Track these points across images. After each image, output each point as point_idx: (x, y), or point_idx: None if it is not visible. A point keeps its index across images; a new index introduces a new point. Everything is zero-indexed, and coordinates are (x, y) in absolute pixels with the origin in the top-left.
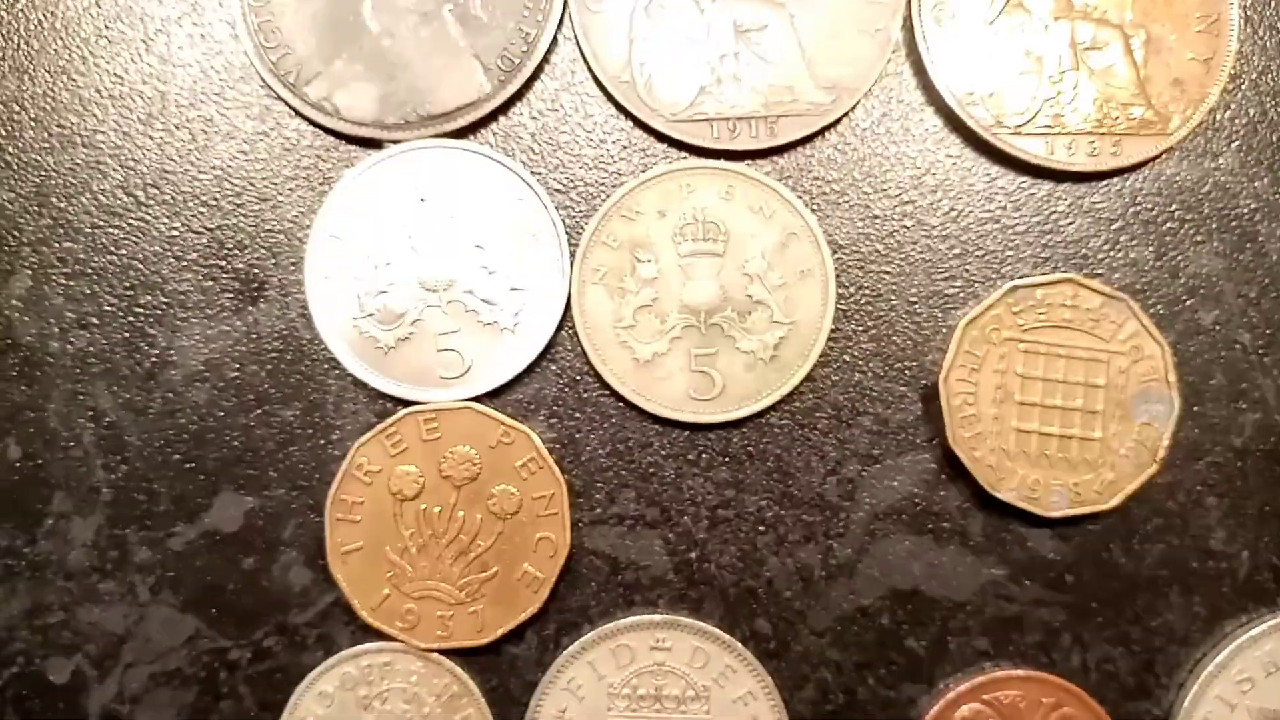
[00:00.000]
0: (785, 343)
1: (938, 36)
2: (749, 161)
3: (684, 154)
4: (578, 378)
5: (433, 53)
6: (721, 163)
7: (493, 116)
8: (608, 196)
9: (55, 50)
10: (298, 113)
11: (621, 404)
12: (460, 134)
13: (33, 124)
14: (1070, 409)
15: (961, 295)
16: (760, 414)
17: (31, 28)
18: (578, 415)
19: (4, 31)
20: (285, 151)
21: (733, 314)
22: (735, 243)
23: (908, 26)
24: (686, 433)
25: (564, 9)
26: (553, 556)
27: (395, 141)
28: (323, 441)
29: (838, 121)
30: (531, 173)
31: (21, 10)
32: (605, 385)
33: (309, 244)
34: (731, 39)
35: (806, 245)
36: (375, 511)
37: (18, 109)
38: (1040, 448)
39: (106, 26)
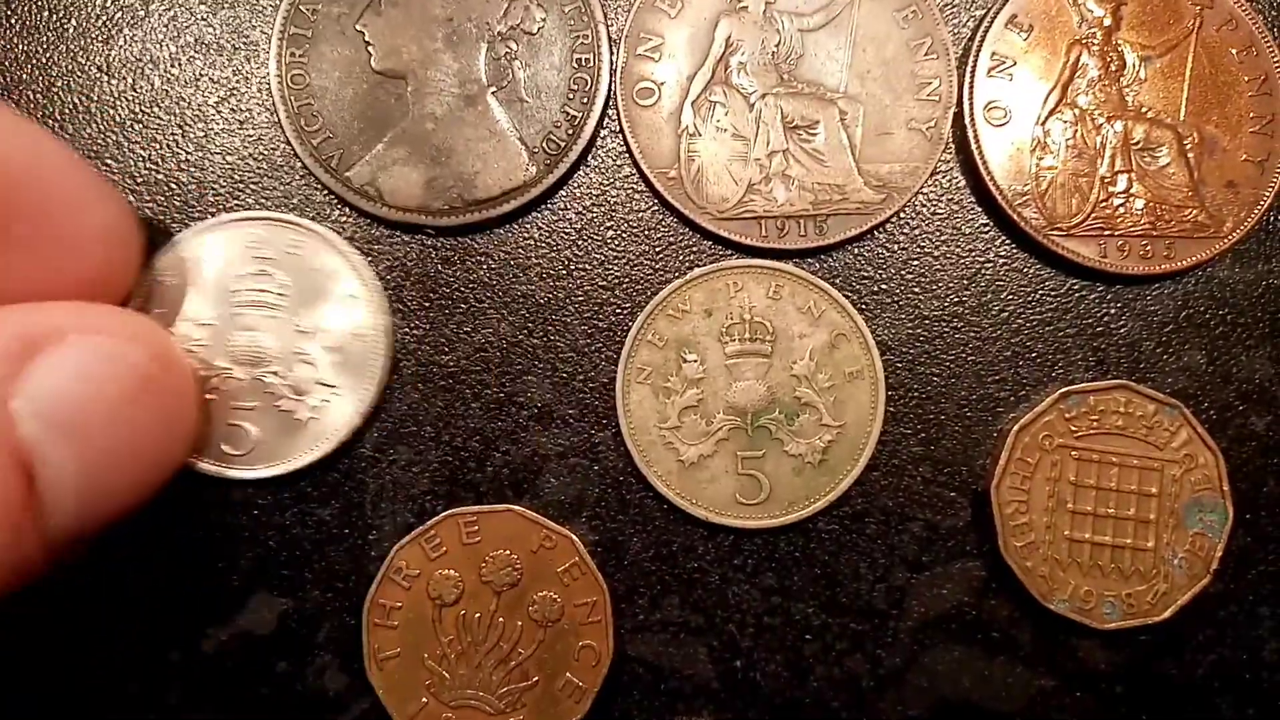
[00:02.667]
0: (834, 446)
1: (989, 135)
2: (797, 260)
3: (731, 252)
4: (621, 479)
5: (477, 136)
6: (769, 261)
7: (538, 202)
8: (653, 294)
9: (90, 135)
10: (340, 199)
11: (666, 507)
12: (505, 220)
13: None
14: (1123, 518)
15: (1012, 399)
16: (808, 519)
17: (66, 111)
18: (621, 517)
19: (38, 114)
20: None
21: (780, 416)
22: (783, 343)
23: (959, 124)
24: (732, 537)
25: (608, 95)
26: (595, 665)
27: (440, 228)
28: (360, 542)
29: (887, 220)
30: (577, 268)
31: (57, 93)
32: (649, 487)
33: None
34: (782, 136)
35: (855, 347)
36: (414, 617)
37: None
38: (1093, 557)
39: (143, 110)
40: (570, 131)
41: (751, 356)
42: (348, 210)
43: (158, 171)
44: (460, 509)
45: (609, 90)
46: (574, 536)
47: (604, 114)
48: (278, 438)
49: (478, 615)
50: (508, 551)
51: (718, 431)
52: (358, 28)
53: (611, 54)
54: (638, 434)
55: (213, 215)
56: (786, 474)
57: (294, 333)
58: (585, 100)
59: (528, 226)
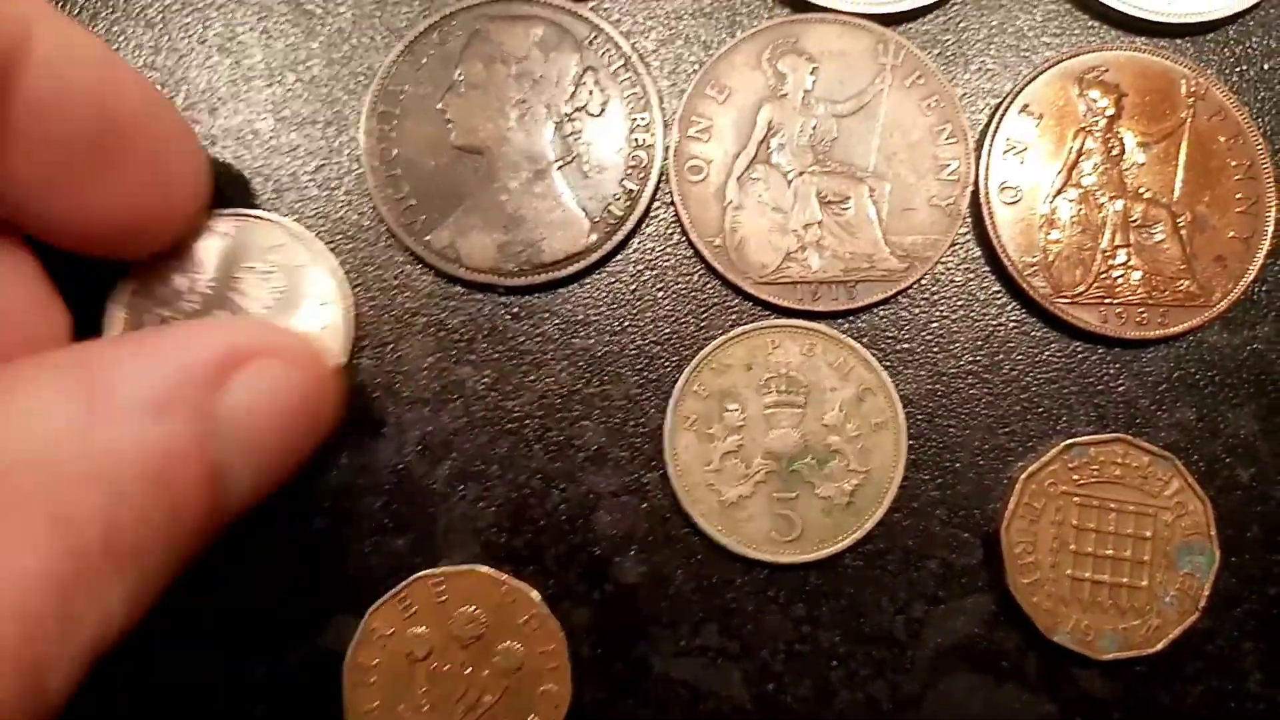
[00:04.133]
0: (860, 489)
1: (1002, 211)
2: (829, 321)
3: (769, 313)
4: (667, 516)
5: (545, 207)
6: (804, 322)
7: (597, 266)
8: (699, 349)
9: None
10: (421, 260)
11: (707, 543)
12: (568, 281)
13: None
14: (1120, 559)
15: (1021, 450)
16: (835, 556)
17: None
18: (666, 551)
19: None
20: (408, 297)
21: (812, 461)
22: (815, 396)
23: (975, 202)
24: (766, 571)
25: (662, 171)
26: (557, 708)
27: (510, 288)
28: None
29: (910, 287)
30: (631, 325)
31: None
32: (693, 525)
33: None
34: (816, 209)
35: (881, 400)
36: (390, 673)
37: None
38: (1092, 594)
39: (244, 178)
40: (628, 204)
41: (787, 407)
42: (428, 270)
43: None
44: (428, 571)
45: (662, 167)
46: (532, 591)
47: (657, 188)
48: None
49: (447, 667)
50: (473, 608)
51: (755, 474)
52: (439, 107)
53: (665, 134)
54: (683, 476)
55: None
56: (817, 514)
57: None
58: (642, 176)
59: (587, 287)
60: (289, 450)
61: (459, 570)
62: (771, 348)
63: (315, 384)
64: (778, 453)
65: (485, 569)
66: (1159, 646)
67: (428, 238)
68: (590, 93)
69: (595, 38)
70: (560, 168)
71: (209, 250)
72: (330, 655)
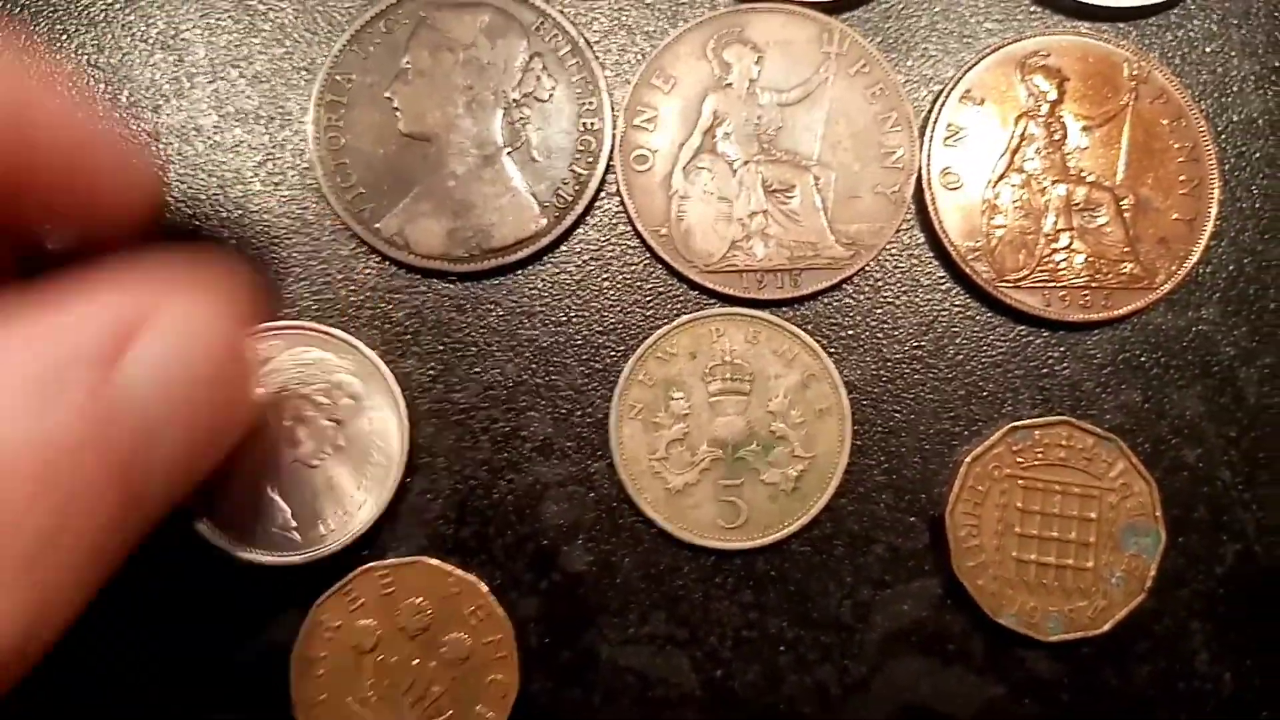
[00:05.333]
0: (805, 475)
1: (945, 198)
2: (773, 309)
3: (715, 301)
4: (614, 505)
5: (494, 192)
6: (749, 310)
7: (546, 252)
8: (644, 339)
9: None
10: (371, 248)
11: (654, 530)
12: (516, 267)
13: None
14: (1065, 541)
15: (966, 434)
16: (782, 541)
17: None
18: (613, 540)
19: None
20: (354, 290)
21: (757, 448)
22: (760, 383)
23: (918, 189)
24: (714, 558)
25: (610, 158)
26: (504, 697)
27: (460, 274)
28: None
29: (855, 274)
30: (577, 315)
31: None
32: (639, 513)
33: None
34: (762, 198)
35: (825, 386)
36: (337, 665)
37: None
38: (1038, 576)
39: (188, 174)
40: (577, 188)
41: (732, 395)
42: (376, 258)
43: (202, 229)
44: (374, 564)
45: (611, 152)
46: (479, 581)
47: (607, 171)
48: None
49: (395, 659)
50: (420, 599)
51: (701, 462)
52: (387, 95)
53: (614, 121)
54: (629, 465)
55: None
56: (763, 500)
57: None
58: (590, 160)
59: (532, 278)
60: (210, 419)
61: (405, 562)
62: (716, 336)
63: (223, 339)
64: (723, 440)
65: (432, 560)
66: (1106, 627)
67: (377, 225)
68: (538, 78)
69: (542, 24)
70: (509, 153)
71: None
72: (276, 648)
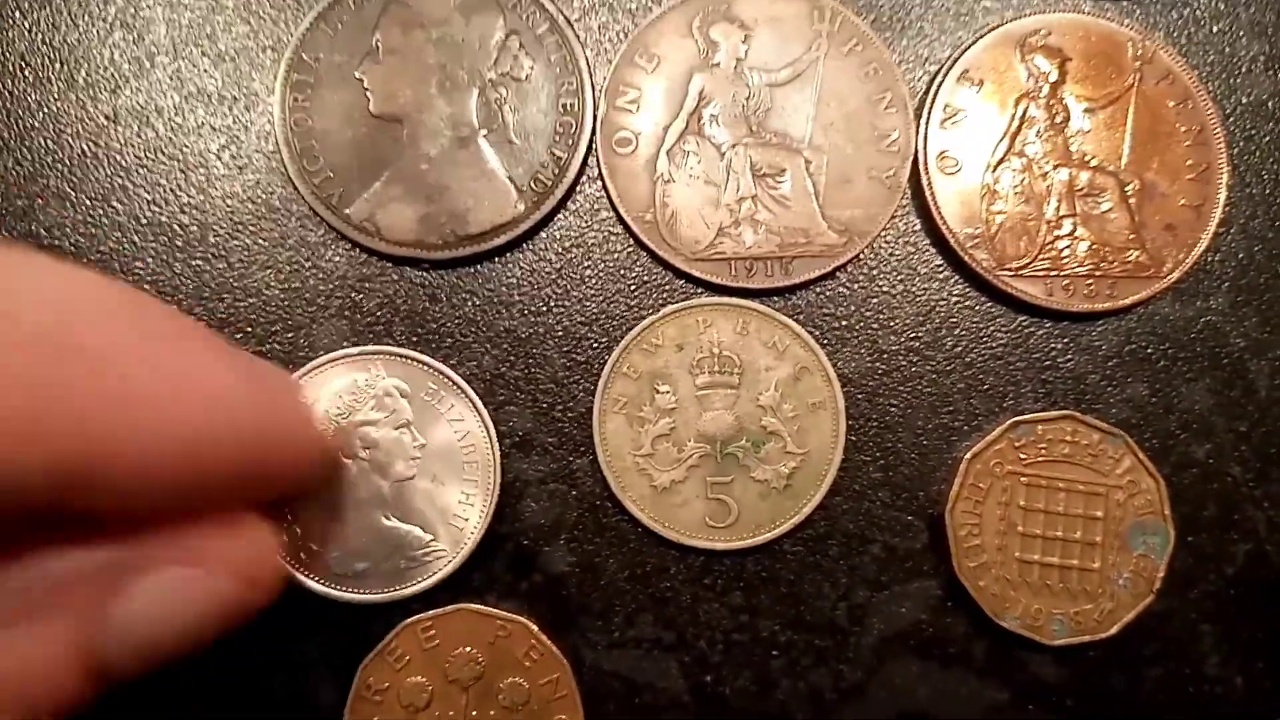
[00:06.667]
0: (798, 472)
1: (943, 183)
2: (764, 299)
3: (702, 290)
4: (598, 503)
5: (469, 175)
6: (738, 299)
7: (524, 239)
8: (628, 329)
9: (97, 179)
10: (341, 234)
11: (640, 530)
12: (492, 254)
13: (73, 249)
14: (1070, 540)
15: (966, 429)
16: (774, 541)
17: (75, 157)
18: (597, 540)
19: (48, 159)
20: (321, 280)
21: (747, 444)
22: (750, 376)
23: (915, 173)
24: (702, 559)
25: (591, 141)
26: None
27: (434, 261)
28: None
29: (849, 262)
30: (557, 305)
31: (66, 140)
32: (624, 511)
33: None
34: (751, 183)
35: (818, 379)
36: None
37: (58, 234)
38: (1042, 578)
39: (148, 157)
40: (556, 171)
41: (720, 388)
42: (346, 245)
43: (161, 214)
44: (415, 617)
45: (591, 134)
46: (528, 621)
47: (588, 154)
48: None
49: (451, 713)
50: (468, 648)
51: (689, 459)
52: (357, 75)
53: (594, 101)
54: (613, 461)
55: (215, 257)
56: (753, 498)
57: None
58: (570, 142)
59: (510, 266)
60: (192, 646)
61: (447, 612)
62: (704, 326)
63: (229, 587)
64: (712, 435)
65: (474, 606)
66: (1113, 630)
67: (347, 211)
68: (515, 57)
69: (519, 0)
70: (485, 135)
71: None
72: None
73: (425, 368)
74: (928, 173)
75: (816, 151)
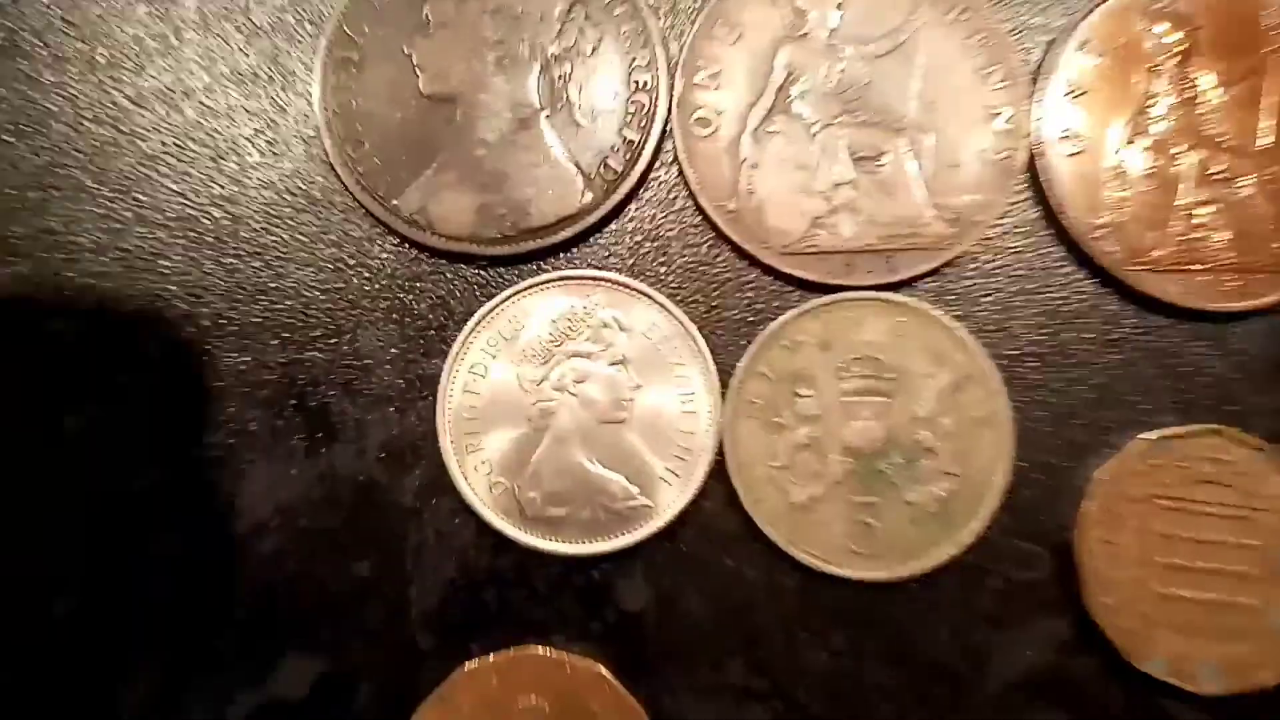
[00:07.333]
0: (955, 496)
1: (1063, 165)
2: (920, 293)
3: (793, 289)
4: (707, 519)
5: (530, 161)
6: (894, 295)
7: (592, 232)
8: (712, 331)
9: (119, 168)
10: (389, 228)
11: (733, 556)
12: (557, 250)
13: (92, 246)
14: (1219, 572)
15: (1095, 445)
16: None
17: (95, 144)
18: (678, 571)
19: (69, 147)
20: (368, 278)
21: (899, 460)
22: (905, 383)
23: (1031, 155)
24: (798, 594)
25: (666, 122)
26: None
27: (492, 258)
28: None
29: (959, 256)
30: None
31: (86, 126)
32: (746, 527)
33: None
34: (848, 167)
35: (981, 391)
36: None
37: (76, 229)
38: (1188, 616)
39: (175, 144)
40: (627, 156)
41: (870, 395)
42: (395, 240)
43: (189, 206)
44: (472, 663)
45: (667, 115)
46: (599, 665)
47: (662, 138)
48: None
49: None
50: (534, 696)
51: (832, 473)
52: (405, 51)
53: (669, 77)
54: (743, 470)
55: (249, 254)
56: (901, 523)
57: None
58: (643, 124)
59: (576, 263)
60: None
61: (509, 657)
62: (853, 324)
63: None
64: (858, 448)
65: (539, 649)
66: (1273, 681)
67: (395, 202)
68: (581, 30)
69: None
70: (548, 117)
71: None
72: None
73: (660, 308)
74: (1046, 154)
75: (920, 131)
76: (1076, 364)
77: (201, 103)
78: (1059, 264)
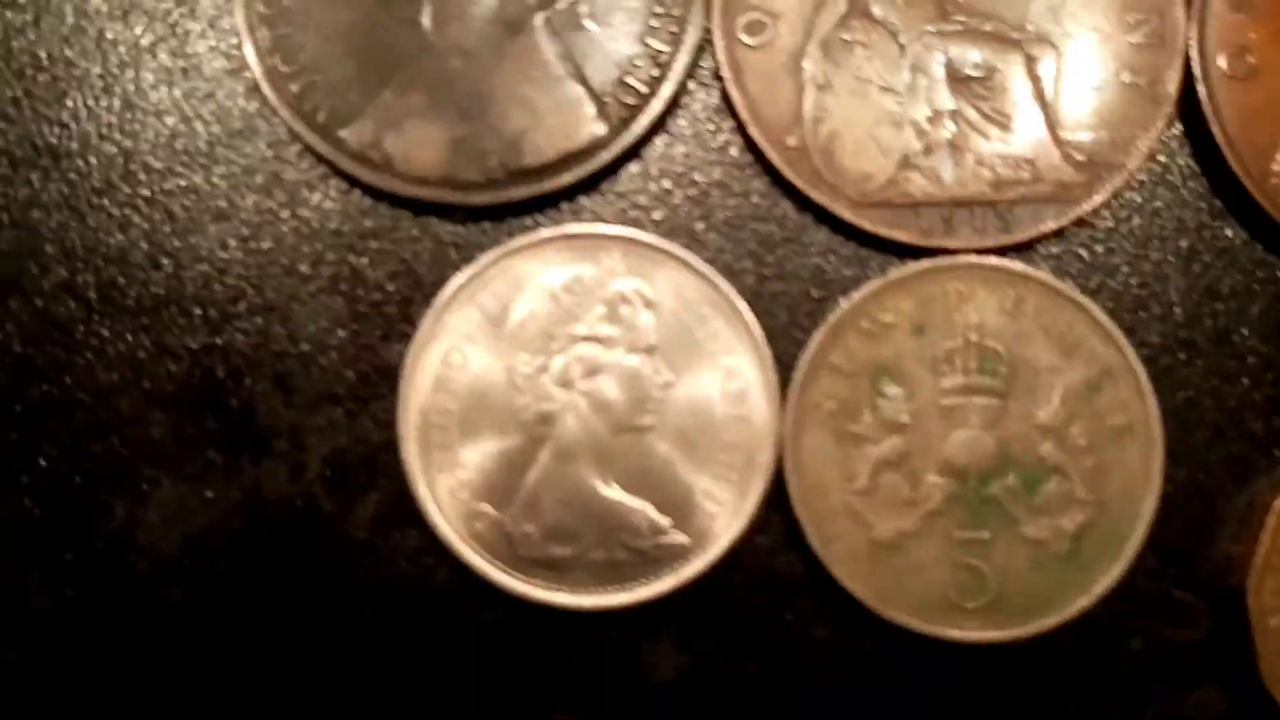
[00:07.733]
0: (1090, 530)
1: (1227, 92)
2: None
3: (873, 252)
4: (763, 561)
5: (522, 78)
6: (1008, 261)
7: (604, 175)
8: (797, 306)
9: None
10: (333, 167)
11: (797, 608)
12: (559, 199)
13: None
14: None
15: (1265, 461)
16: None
17: None
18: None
19: None
20: (306, 235)
21: (1016, 483)
22: (1024, 379)
23: (1186, 78)
24: (880, 656)
25: (705, 27)
26: None
27: (472, 208)
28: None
29: (1094, 210)
30: None
31: None
32: (817, 574)
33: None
34: (946, 91)
35: (1124, 390)
36: None
37: None
38: None
39: (50, 56)
40: (654, 72)
41: (979, 395)
42: (341, 184)
43: (70, 139)
44: None
45: (705, 16)
46: None
47: (699, 53)
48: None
49: None
50: None
51: (927, 500)
52: None
53: None
54: (812, 499)
55: (149, 203)
56: (1021, 567)
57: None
58: (674, 28)
59: (584, 215)
60: None
61: None
62: (957, 300)
63: None
64: (963, 467)
65: None
66: None
67: (341, 133)
68: None
69: None
70: (547, 19)
71: None
72: None
73: (697, 276)
74: (1208, 79)
75: (1043, 45)
76: (1240, 355)
77: (83, 3)
78: (1221, 223)
